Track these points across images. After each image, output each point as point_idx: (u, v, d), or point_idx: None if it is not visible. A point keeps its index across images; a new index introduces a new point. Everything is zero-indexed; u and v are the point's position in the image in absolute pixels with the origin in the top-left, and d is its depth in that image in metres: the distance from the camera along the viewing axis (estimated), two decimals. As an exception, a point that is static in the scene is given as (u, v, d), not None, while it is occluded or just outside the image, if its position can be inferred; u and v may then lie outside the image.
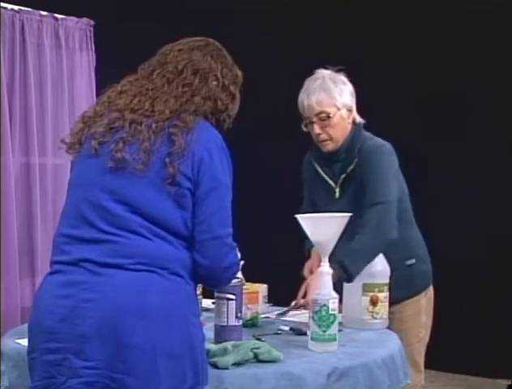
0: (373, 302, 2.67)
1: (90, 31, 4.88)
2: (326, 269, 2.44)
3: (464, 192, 5.00)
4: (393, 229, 2.80)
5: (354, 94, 2.97)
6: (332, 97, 2.88)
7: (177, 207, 1.99)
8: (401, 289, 2.86)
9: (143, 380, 1.90)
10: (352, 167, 2.92)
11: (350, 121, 2.95)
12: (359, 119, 2.99)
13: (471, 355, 4.85)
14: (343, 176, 2.95)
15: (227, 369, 2.15)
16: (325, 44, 5.31)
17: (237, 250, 2.11)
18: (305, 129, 2.96)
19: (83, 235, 2.00)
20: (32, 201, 4.51)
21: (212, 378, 2.06)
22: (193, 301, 2.05)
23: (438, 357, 4.25)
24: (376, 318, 2.69)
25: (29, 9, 4.52)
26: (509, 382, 4.34)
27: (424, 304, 3.04)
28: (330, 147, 2.95)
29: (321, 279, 2.42)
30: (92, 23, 4.89)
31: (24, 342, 2.24)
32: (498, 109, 4.97)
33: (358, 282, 2.70)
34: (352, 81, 2.99)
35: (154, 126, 2.00)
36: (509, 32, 4.87)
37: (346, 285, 2.75)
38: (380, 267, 2.75)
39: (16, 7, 4.45)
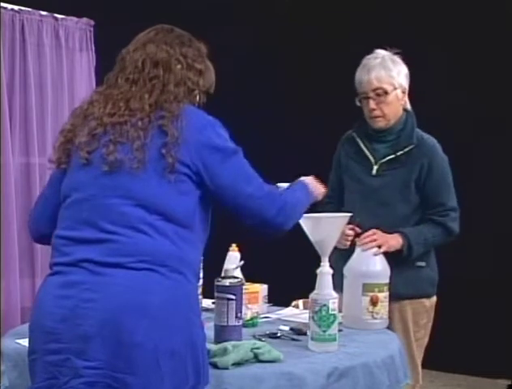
0: (373, 302, 2.67)
1: (90, 31, 4.88)
2: (326, 269, 2.44)
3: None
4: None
5: (408, 77, 3.03)
6: (391, 76, 2.96)
7: (178, 193, 2.00)
8: (407, 288, 2.90)
9: (146, 379, 1.90)
10: (406, 150, 2.97)
11: (403, 103, 3.03)
12: (409, 106, 3.06)
13: (471, 355, 4.85)
14: (391, 157, 2.99)
15: (227, 369, 2.15)
16: (325, 44, 5.32)
17: (273, 188, 2.14)
18: (358, 104, 3.02)
19: (82, 236, 2.00)
20: (31, 201, 4.50)
21: (212, 378, 2.06)
22: (194, 301, 2.06)
23: (438, 357, 4.25)
24: (376, 318, 2.68)
25: (29, 9, 4.52)
26: (509, 382, 4.34)
27: (427, 305, 3.04)
28: (381, 123, 3.00)
29: (321, 279, 2.42)
30: (92, 23, 4.89)
31: (24, 342, 2.24)
32: None
33: (358, 282, 2.70)
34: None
35: (140, 123, 2.01)
36: None
37: (346, 285, 2.75)
38: (380, 267, 2.75)
39: (16, 7, 4.45)
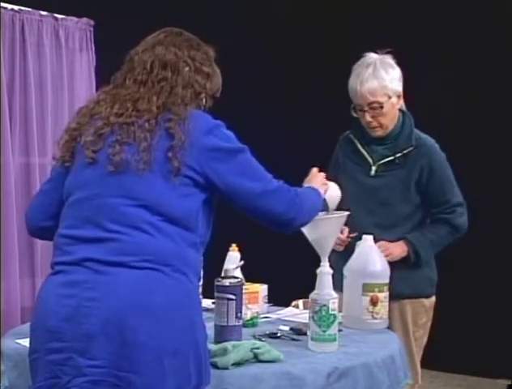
0: (373, 302, 2.67)
1: (90, 31, 4.88)
2: (326, 269, 2.44)
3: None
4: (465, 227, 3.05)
5: (402, 78, 2.99)
6: (384, 86, 2.91)
7: (182, 195, 2.00)
8: (406, 287, 2.90)
9: (149, 378, 1.90)
10: (404, 152, 2.96)
11: (399, 106, 3.00)
12: (404, 107, 3.04)
13: (471, 355, 4.84)
14: (390, 159, 2.98)
15: (227, 369, 2.15)
16: (325, 44, 5.32)
17: (282, 183, 2.14)
18: (354, 114, 2.99)
19: (85, 235, 2.00)
20: (32, 201, 4.50)
21: (212, 378, 2.06)
22: (196, 301, 2.07)
23: (438, 357, 4.25)
24: (376, 318, 2.68)
25: (29, 9, 4.52)
26: (509, 382, 4.34)
27: (426, 305, 3.05)
28: (379, 133, 2.99)
29: (321, 279, 2.42)
30: (92, 23, 4.89)
31: (24, 342, 2.24)
32: None
33: (358, 282, 2.70)
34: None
35: (147, 125, 2.01)
36: None
37: (346, 285, 2.75)
38: (380, 266, 2.75)
39: (16, 7, 4.45)
